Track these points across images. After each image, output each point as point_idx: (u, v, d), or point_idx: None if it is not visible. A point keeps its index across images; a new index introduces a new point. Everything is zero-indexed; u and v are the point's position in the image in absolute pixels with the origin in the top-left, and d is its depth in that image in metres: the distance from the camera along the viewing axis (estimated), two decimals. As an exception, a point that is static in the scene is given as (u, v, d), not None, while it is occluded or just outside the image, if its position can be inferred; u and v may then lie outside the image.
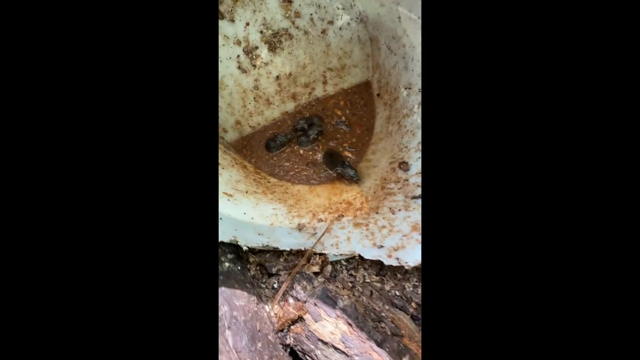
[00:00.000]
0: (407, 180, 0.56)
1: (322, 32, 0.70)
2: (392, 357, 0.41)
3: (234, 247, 0.51)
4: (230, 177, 0.62)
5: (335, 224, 0.55)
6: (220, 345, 0.40)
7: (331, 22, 0.69)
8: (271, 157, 0.72)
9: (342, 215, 0.56)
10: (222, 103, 0.70)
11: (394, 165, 0.60)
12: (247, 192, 0.60)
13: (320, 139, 0.72)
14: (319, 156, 0.71)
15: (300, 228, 0.54)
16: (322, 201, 0.62)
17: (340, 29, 0.70)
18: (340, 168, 0.65)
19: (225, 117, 0.72)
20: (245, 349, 0.42)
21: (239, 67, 0.68)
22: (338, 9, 0.68)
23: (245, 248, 0.47)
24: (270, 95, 0.73)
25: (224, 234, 0.48)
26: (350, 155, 0.70)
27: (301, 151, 0.72)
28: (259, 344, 0.43)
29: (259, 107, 0.73)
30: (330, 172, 0.68)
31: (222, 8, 0.65)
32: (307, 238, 0.52)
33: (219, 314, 0.43)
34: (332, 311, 0.45)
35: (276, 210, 0.58)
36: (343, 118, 0.73)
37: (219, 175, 0.60)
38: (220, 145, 0.69)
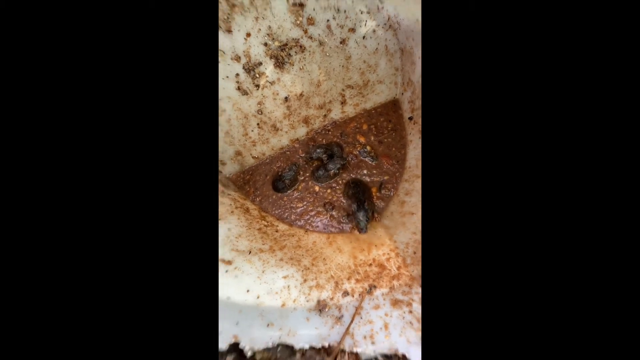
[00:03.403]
0: None
1: (341, 42, 0.56)
2: None
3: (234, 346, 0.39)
4: (229, 230, 0.49)
5: (367, 299, 0.42)
6: None
7: (353, 30, 0.56)
8: (280, 198, 0.59)
9: (375, 287, 0.43)
10: (219, 131, 0.57)
11: None
12: (250, 252, 0.47)
13: (342, 174, 0.58)
14: (340, 195, 0.57)
15: (320, 309, 0.41)
16: (345, 260, 0.49)
17: (363, 37, 0.56)
18: (355, 205, 0.51)
19: (223, 147, 0.59)
20: None
21: (239, 88, 0.55)
22: (362, 12, 0.55)
23: (249, 354, 0.35)
24: (277, 120, 0.60)
25: (222, 335, 0.35)
26: (380, 197, 0.56)
27: (317, 188, 0.58)
28: None
29: (263, 134, 0.60)
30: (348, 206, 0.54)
31: (216, 15, 0.51)
32: (331, 326, 0.39)
33: None
34: None
35: (288, 281, 0.45)
36: (368, 147, 0.60)
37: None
38: (221, 180, 0.56)
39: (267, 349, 0.42)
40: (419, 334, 0.38)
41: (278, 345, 0.38)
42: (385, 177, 0.57)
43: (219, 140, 0.58)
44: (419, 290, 0.42)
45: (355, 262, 0.50)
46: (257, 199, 0.59)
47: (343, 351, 0.39)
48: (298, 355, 0.41)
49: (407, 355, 0.36)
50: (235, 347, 0.38)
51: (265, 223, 0.55)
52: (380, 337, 0.38)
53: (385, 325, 0.39)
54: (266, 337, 0.37)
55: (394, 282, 0.45)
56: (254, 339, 0.36)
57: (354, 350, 0.38)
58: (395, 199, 0.55)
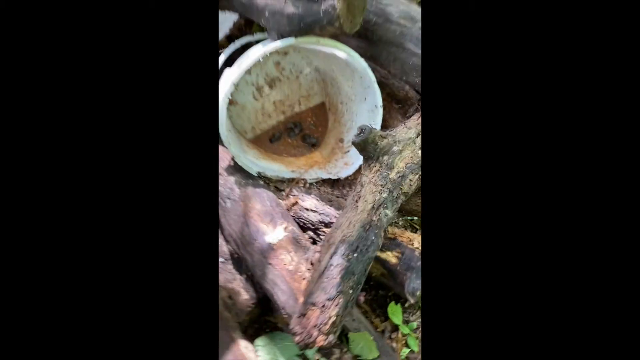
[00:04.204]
0: (342, 146, 1.16)
1: (296, 77, 1.31)
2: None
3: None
4: (253, 153, 1.19)
5: (310, 169, 1.13)
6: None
7: (300, 72, 1.31)
8: (273, 146, 1.30)
9: (315, 164, 1.15)
10: (244, 118, 1.28)
11: (336, 140, 1.19)
12: (259, 159, 1.17)
13: (299, 133, 1.31)
14: (300, 142, 1.30)
15: (293, 171, 1.12)
16: (303, 162, 1.20)
17: (305, 75, 1.31)
18: (308, 139, 1.24)
19: (246, 126, 1.29)
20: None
21: (254, 97, 1.27)
22: (304, 64, 1.30)
23: (264, 175, 1.04)
24: (270, 112, 1.31)
25: (251, 169, 1.04)
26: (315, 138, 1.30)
27: (289, 140, 1.30)
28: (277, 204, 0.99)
29: (264, 119, 1.31)
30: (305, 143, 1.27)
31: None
32: (299, 175, 1.10)
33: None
34: (309, 197, 1.02)
35: (280, 167, 1.15)
36: (311, 122, 1.34)
37: (246, 153, 1.16)
38: (244, 140, 1.26)
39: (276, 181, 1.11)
40: (327, 172, 1.10)
41: (277, 177, 1.08)
42: (318, 132, 1.31)
43: (245, 122, 1.29)
44: (329, 163, 1.14)
45: (307, 162, 1.21)
46: (262, 148, 1.29)
47: (301, 179, 1.09)
48: (285, 183, 1.10)
49: (322, 177, 1.08)
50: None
51: (267, 155, 1.25)
52: (312, 174, 1.10)
53: (316, 172, 1.11)
54: (272, 174, 1.07)
55: (320, 163, 1.17)
56: (265, 174, 1.06)
57: (303, 178, 1.09)
58: (323, 140, 1.29)
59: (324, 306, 0.65)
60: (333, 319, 0.65)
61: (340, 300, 0.65)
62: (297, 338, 0.66)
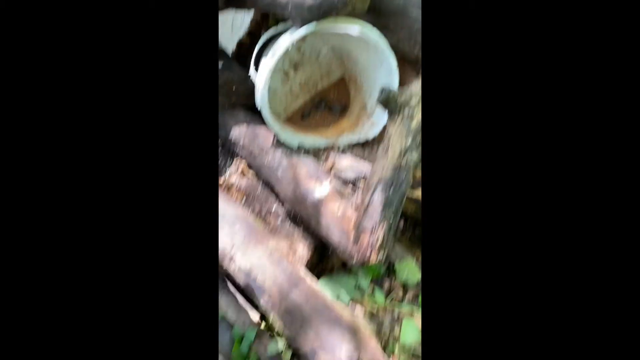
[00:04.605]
0: (366, 112, 1.33)
1: (316, 58, 1.47)
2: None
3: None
4: (290, 130, 1.38)
5: (341, 135, 1.31)
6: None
7: (319, 53, 1.47)
8: (304, 122, 1.48)
9: (344, 131, 1.32)
10: (276, 101, 1.47)
11: (360, 107, 1.36)
12: (296, 134, 1.36)
13: (325, 107, 1.49)
14: (327, 114, 1.47)
15: (327, 140, 1.30)
16: (333, 131, 1.38)
17: (324, 55, 1.47)
18: (334, 109, 1.42)
19: (279, 108, 1.48)
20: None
21: (282, 82, 1.45)
22: (321, 46, 1.46)
23: (303, 147, 1.23)
24: (297, 92, 1.48)
25: (291, 144, 1.23)
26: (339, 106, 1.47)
27: (318, 114, 1.48)
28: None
29: (293, 99, 1.49)
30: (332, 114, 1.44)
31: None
32: (332, 142, 1.28)
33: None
34: (344, 158, 1.20)
35: (314, 138, 1.33)
36: (334, 96, 1.50)
37: (284, 131, 1.34)
38: (280, 121, 1.46)
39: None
40: (357, 135, 1.27)
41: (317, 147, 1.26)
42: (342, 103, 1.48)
43: (278, 101, 1.47)
44: (355, 128, 1.31)
45: (337, 129, 1.38)
46: (295, 125, 1.48)
47: (338, 147, 1.27)
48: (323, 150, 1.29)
49: (351, 141, 1.25)
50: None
51: (301, 129, 1.44)
52: (345, 139, 1.28)
53: (346, 135, 1.29)
54: (311, 146, 1.26)
55: (349, 128, 1.34)
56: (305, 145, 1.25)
57: (339, 145, 1.27)
58: (347, 110, 1.45)
59: (372, 231, 0.84)
60: (380, 239, 0.83)
61: (384, 225, 0.84)
62: (354, 259, 0.86)
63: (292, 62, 1.45)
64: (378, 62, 1.25)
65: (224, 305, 1.18)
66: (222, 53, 1.47)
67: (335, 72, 1.51)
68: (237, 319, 1.14)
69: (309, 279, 1.05)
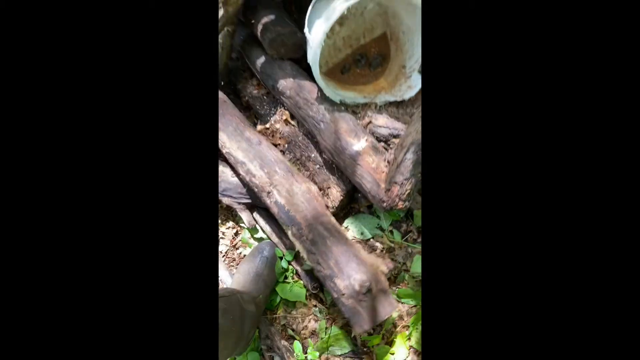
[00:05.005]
0: (405, 72, 1.42)
1: (361, 13, 1.52)
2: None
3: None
4: (333, 85, 1.50)
5: (379, 94, 1.43)
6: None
7: (365, 7, 1.51)
8: (344, 77, 1.59)
9: (382, 89, 1.44)
10: (321, 54, 1.56)
11: (399, 67, 1.45)
12: (338, 89, 1.48)
13: (365, 63, 1.58)
14: (367, 70, 1.57)
15: (365, 97, 1.42)
16: (371, 89, 1.50)
17: (369, 10, 1.52)
18: (374, 62, 1.52)
19: (321, 58, 1.58)
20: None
21: (327, 36, 1.53)
22: (367, 1, 1.50)
23: (344, 102, 1.36)
24: (340, 46, 1.57)
25: (335, 98, 1.37)
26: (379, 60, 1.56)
27: (358, 70, 1.58)
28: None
29: (335, 53, 1.58)
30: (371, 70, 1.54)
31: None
32: (370, 99, 1.41)
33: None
34: (380, 116, 1.34)
35: (354, 94, 1.46)
36: (375, 52, 1.58)
37: (329, 86, 1.47)
38: (322, 74, 1.57)
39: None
40: (393, 96, 1.39)
41: (355, 103, 1.40)
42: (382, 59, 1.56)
43: (323, 56, 1.57)
44: (393, 88, 1.42)
45: (375, 87, 1.50)
46: (336, 79, 1.59)
47: (375, 103, 1.40)
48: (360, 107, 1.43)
49: (388, 100, 1.38)
50: None
51: (341, 84, 1.56)
52: (383, 98, 1.40)
53: (384, 93, 1.41)
54: (350, 101, 1.39)
55: (387, 88, 1.45)
56: (345, 99, 1.39)
57: (375, 101, 1.40)
58: (387, 64, 1.55)
59: (402, 184, 1.02)
60: (408, 191, 1.02)
61: (413, 180, 1.02)
62: (384, 204, 1.06)
63: (339, 18, 1.51)
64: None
65: (269, 231, 1.44)
66: (275, 5, 1.54)
67: (377, 28, 1.57)
68: (278, 243, 1.40)
69: (333, 219, 1.27)
